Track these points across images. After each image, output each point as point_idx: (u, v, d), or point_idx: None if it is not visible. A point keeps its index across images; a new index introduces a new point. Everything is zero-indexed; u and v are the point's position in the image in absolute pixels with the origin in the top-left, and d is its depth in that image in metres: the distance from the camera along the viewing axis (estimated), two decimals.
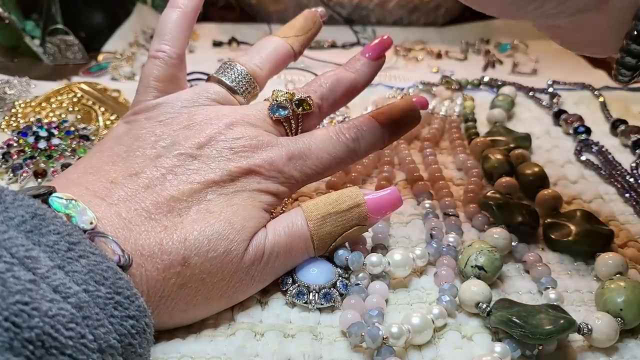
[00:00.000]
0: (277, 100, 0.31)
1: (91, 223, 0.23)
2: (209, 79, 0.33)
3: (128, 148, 0.28)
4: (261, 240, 0.27)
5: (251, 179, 0.28)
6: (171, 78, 0.32)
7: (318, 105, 0.32)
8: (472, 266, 0.30)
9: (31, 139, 0.41)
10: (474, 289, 0.28)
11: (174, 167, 0.27)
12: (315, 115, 0.32)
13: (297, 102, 0.31)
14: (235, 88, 0.33)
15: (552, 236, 0.33)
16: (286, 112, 0.31)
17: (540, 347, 0.26)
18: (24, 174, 0.39)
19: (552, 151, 0.45)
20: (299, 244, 0.28)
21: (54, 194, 0.23)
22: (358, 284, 0.29)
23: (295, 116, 0.31)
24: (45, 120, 0.45)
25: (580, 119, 0.48)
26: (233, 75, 0.33)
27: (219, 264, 0.26)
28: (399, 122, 0.32)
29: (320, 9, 0.37)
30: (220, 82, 0.32)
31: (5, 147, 0.41)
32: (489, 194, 0.36)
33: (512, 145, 0.43)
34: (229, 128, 0.29)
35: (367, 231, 0.31)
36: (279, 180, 0.29)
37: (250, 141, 0.29)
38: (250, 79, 0.33)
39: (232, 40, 0.69)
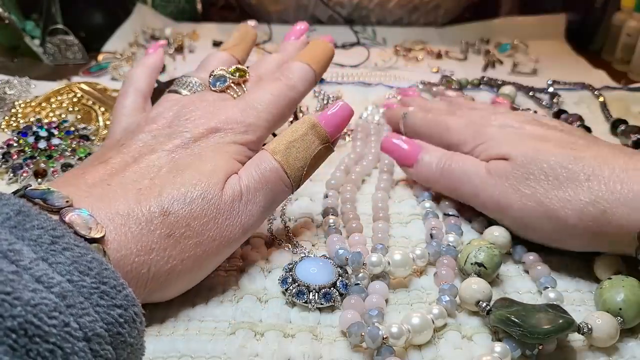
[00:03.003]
0: (213, 75, 0.35)
1: (67, 201, 0.24)
2: (168, 92, 0.36)
3: (97, 155, 0.31)
4: (235, 182, 0.29)
5: (212, 136, 0.31)
6: (140, 108, 0.35)
7: (257, 77, 0.36)
8: (472, 263, 0.30)
9: (31, 139, 0.41)
10: (475, 287, 0.28)
11: (139, 148, 0.30)
12: (259, 88, 0.35)
13: (232, 71, 0.35)
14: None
15: None
16: (224, 81, 0.34)
17: (541, 347, 0.26)
18: (24, 174, 0.39)
19: None
20: (271, 176, 0.29)
21: (28, 188, 0.24)
22: (358, 284, 0.29)
23: (236, 84, 0.35)
24: (45, 120, 0.45)
25: (580, 119, 0.48)
26: (189, 86, 0.36)
27: (198, 207, 0.27)
28: (318, 56, 0.38)
29: (252, 22, 0.44)
30: (176, 92, 0.35)
31: (5, 147, 0.41)
32: None
33: None
34: (183, 109, 0.32)
35: (334, 151, 0.32)
36: (239, 130, 0.31)
37: (205, 110, 0.32)
38: (203, 86, 0.36)
39: None
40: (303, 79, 0.36)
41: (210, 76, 0.35)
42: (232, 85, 0.34)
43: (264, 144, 0.32)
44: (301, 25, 0.43)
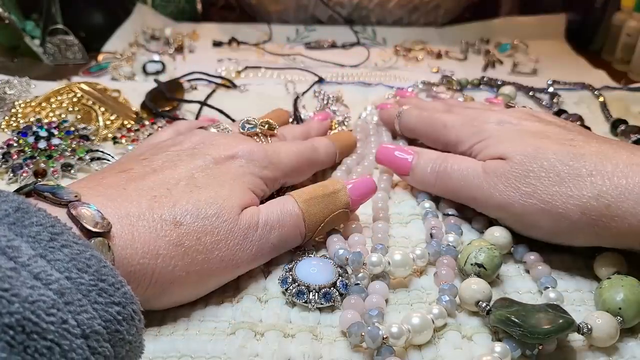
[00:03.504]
0: (245, 119, 0.36)
1: (76, 196, 0.24)
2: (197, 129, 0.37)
3: (118, 163, 0.32)
4: (254, 213, 0.29)
5: (234, 162, 0.32)
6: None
7: (282, 136, 0.38)
8: (471, 264, 0.30)
9: (31, 139, 0.41)
10: (475, 287, 0.28)
11: (160, 163, 0.30)
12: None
13: (262, 123, 0.37)
14: None
15: None
16: (253, 127, 0.36)
17: (541, 347, 0.26)
18: (24, 174, 0.39)
19: None
20: (290, 221, 0.30)
21: (38, 183, 0.24)
22: (358, 284, 0.29)
23: (264, 135, 0.36)
24: (45, 120, 0.45)
25: (580, 118, 0.48)
26: (218, 128, 0.37)
27: (212, 224, 0.27)
28: (342, 140, 0.41)
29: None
30: (205, 129, 0.36)
31: (5, 147, 0.41)
32: None
33: None
34: (211, 137, 0.34)
35: (349, 220, 0.33)
36: (260, 164, 0.32)
37: (231, 139, 0.33)
38: (232, 131, 0.37)
39: (232, 40, 0.69)
40: (326, 149, 0.39)
41: (240, 121, 0.36)
42: (260, 134, 0.36)
43: (283, 191, 0.34)
44: (326, 115, 0.47)
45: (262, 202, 0.31)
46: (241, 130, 0.36)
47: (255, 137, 0.36)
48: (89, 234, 0.23)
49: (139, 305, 0.21)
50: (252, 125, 0.36)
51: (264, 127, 0.36)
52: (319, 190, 0.31)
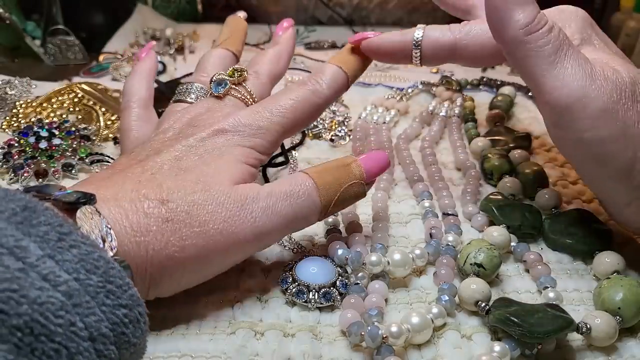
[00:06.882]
0: (213, 81, 0.34)
1: (60, 189, 0.23)
2: (173, 102, 0.35)
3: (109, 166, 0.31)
4: (253, 186, 0.28)
5: (220, 138, 0.30)
6: (145, 118, 0.35)
7: (255, 75, 0.35)
8: (471, 264, 0.30)
9: (32, 139, 0.41)
10: (474, 287, 0.28)
11: (146, 154, 0.29)
12: (261, 84, 0.35)
13: (230, 73, 0.34)
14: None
15: (552, 236, 0.34)
16: (224, 85, 0.33)
17: (540, 347, 0.26)
18: (25, 174, 0.39)
19: (552, 151, 0.45)
20: (301, 190, 0.29)
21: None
22: (357, 284, 0.29)
23: (239, 84, 0.34)
24: (46, 121, 0.45)
25: None
26: (192, 93, 0.35)
27: (201, 198, 0.26)
28: (351, 64, 0.35)
29: (240, 13, 0.42)
30: (182, 101, 0.35)
31: (6, 147, 0.41)
32: (490, 196, 0.36)
33: (511, 145, 0.43)
34: (191, 119, 0.32)
35: (365, 195, 0.31)
36: (248, 133, 0.31)
37: (213, 113, 0.32)
38: (205, 90, 0.35)
39: None
40: (331, 81, 0.34)
41: (210, 82, 0.34)
42: (233, 86, 0.34)
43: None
44: (286, 23, 0.40)
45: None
46: (215, 94, 0.33)
47: (236, 94, 0.33)
48: (72, 207, 0.22)
49: (144, 308, 0.21)
50: (224, 85, 0.33)
51: (234, 77, 0.34)
52: (330, 164, 0.30)
